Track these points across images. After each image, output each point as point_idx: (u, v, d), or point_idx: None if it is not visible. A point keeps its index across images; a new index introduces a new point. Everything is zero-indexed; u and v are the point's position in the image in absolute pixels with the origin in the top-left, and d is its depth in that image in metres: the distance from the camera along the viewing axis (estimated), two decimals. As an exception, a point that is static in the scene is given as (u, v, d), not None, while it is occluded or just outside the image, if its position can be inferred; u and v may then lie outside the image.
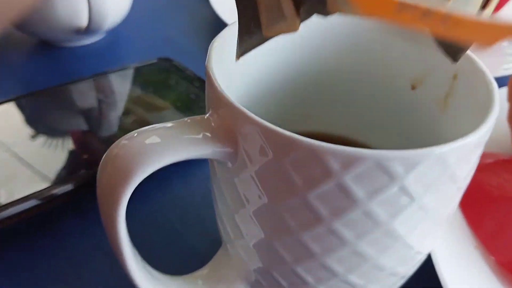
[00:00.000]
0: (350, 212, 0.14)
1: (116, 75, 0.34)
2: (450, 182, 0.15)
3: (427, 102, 0.21)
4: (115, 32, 0.42)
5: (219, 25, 0.41)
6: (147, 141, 0.15)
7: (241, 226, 0.17)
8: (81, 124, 0.29)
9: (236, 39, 0.16)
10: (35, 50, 0.40)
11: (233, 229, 0.18)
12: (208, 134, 0.15)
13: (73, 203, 0.25)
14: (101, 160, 0.15)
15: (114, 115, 0.30)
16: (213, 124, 0.16)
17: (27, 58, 0.40)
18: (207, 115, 0.16)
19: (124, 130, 0.29)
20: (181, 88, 0.33)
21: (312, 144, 0.13)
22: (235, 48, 0.16)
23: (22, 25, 0.38)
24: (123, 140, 0.15)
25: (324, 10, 0.15)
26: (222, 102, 0.15)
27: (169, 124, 0.16)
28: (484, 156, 0.17)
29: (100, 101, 0.32)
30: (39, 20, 0.36)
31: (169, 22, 0.46)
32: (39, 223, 0.24)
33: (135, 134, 0.15)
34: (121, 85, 0.33)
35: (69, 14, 0.36)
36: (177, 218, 0.25)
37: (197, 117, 0.16)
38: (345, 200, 0.14)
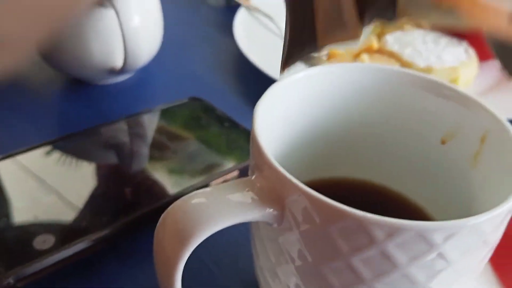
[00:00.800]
0: (391, 275, 0.15)
1: (149, 115, 0.35)
2: (483, 246, 0.16)
3: (457, 157, 0.22)
4: (145, 70, 0.44)
5: (245, 62, 0.43)
6: (202, 207, 0.16)
7: (283, 278, 0.18)
8: (118, 168, 0.31)
9: (281, 61, 0.16)
10: (67, 88, 0.42)
11: (274, 279, 0.19)
12: (256, 197, 0.16)
13: (113, 247, 0.26)
14: (159, 223, 0.16)
15: (149, 157, 0.32)
16: (259, 186, 0.17)
17: (60, 96, 0.42)
18: (254, 177, 0.17)
19: (162, 173, 0.30)
20: (212, 128, 0.35)
21: (359, 215, 0.14)
22: (279, 98, 0.16)
23: (56, 62, 0.39)
24: (180, 204, 0.16)
25: (392, 15, 0.15)
26: (270, 168, 0.16)
27: (220, 188, 0.17)
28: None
29: (135, 144, 0.33)
30: (73, 58, 0.38)
31: (196, 60, 0.47)
32: (79, 267, 0.25)
33: (191, 200, 0.16)
34: (154, 126, 0.35)
35: (105, 54, 0.38)
36: (212, 261, 0.26)
37: (244, 180, 0.17)
38: (386, 265, 0.15)
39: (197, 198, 0.16)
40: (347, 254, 0.15)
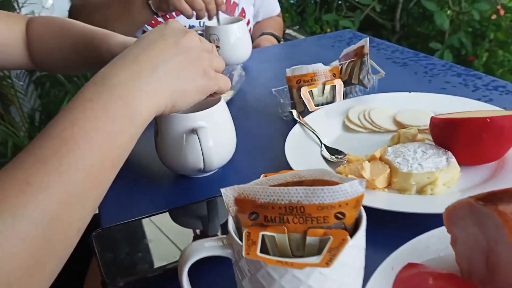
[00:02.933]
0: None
1: (221, 198, 0.56)
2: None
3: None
4: (224, 168, 0.66)
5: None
6: (194, 246, 0.35)
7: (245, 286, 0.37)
8: (203, 229, 0.52)
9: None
10: (173, 178, 0.66)
11: (240, 292, 0.37)
12: (222, 244, 0.36)
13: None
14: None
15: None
16: (227, 241, 0.36)
17: (169, 182, 0.65)
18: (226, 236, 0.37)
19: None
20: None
21: (265, 263, 0.33)
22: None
23: (168, 163, 0.63)
24: (188, 245, 0.36)
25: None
26: (232, 238, 0.36)
27: (206, 239, 0.36)
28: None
29: (211, 215, 0.55)
30: (177, 162, 0.62)
31: (262, 161, 0.68)
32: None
33: (192, 243, 0.36)
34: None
35: (193, 161, 0.60)
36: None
37: (221, 236, 0.37)
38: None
39: (195, 243, 0.36)
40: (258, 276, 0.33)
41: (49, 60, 0.75)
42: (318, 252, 0.33)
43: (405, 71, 0.95)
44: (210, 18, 0.99)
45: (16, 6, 2.21)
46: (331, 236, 0.34)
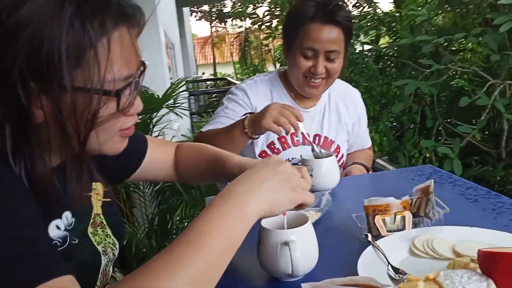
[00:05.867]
0: None
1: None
2: None
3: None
4: (309, 275, 0.83)
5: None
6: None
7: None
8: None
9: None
10: (269, 279, 0.84)
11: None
12: None
13: None
14: None
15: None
16: None
17: (264, 283, 0.84)
18: None
19: None
20: None
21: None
22: None
23: (265, 268, 0.83)
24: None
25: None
26: None
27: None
28: None
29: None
30: (272, 266, 0.81)
31: (339, 274, 0.85)
32: None
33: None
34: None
35: (284, 268, 0.79)
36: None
37: None
38: None
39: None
40: None
41: (188, 174, 1.06)
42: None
43: (474, 207, 1.08)
44: (296, 130, 1.24)
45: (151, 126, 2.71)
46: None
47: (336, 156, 1.56)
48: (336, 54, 1.43)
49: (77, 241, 0.73)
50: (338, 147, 1.61)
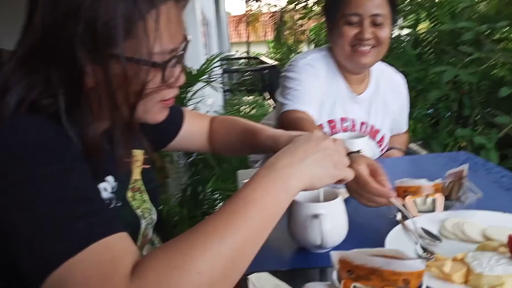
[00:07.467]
0: None
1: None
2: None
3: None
4: (338, 246, 0.86)
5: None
6: (310, 285, 0.56)
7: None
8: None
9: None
10: (298, 249, 0.87)
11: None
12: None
13: None
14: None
15: None
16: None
17: (294, 252, 0.87)
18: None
19: None
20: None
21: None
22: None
23: (296, 239, 0.85)
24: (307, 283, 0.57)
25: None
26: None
27: None
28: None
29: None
30: (302, 239, 0.84)
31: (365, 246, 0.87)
32: None
33: (308, 283, 0.57)
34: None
35: (313, 239, 0.82)
36: None
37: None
38: None
39: (310, 284, 0.57)
40: None
41: (221, 146, 1.10)
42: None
43: (507, 195, 1.07)
44: None
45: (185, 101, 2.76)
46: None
47: (380, 146, 1.55)
48: (383, 18, 1.35)
49: (121, 203, 0.77)
50: (382, 138, 1.56)
